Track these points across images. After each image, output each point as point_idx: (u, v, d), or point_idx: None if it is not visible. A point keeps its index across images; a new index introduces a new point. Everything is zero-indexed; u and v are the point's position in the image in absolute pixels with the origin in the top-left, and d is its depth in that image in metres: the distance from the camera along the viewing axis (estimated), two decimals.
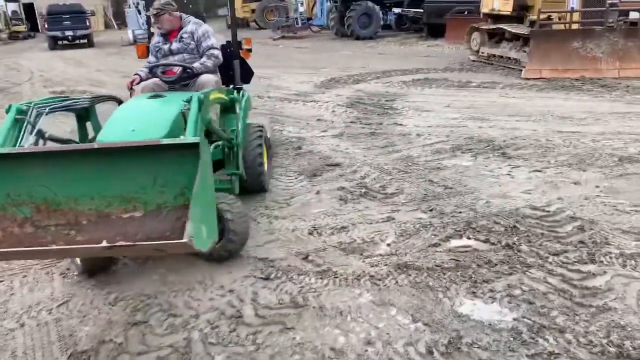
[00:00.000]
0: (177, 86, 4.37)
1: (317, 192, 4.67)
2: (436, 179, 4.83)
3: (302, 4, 22.71)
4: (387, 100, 8.48)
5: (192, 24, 4.61)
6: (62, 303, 3.11)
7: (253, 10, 30.04)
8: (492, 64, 11.47)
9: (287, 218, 4.16)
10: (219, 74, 4.74)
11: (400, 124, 6.92)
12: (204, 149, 2.34)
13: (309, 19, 25.24)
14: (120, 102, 4.16)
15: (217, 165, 3.92)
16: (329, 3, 22.11)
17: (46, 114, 2.96)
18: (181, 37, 4.54)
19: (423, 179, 4.85)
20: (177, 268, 3.45)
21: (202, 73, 4.40)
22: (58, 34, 23.05)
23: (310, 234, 3.86)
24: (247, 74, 5.27)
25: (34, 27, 33.90)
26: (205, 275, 3.35)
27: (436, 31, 17.37)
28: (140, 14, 22.46)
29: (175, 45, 4.55)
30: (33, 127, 2.88)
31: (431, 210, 4.16)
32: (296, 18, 22.37)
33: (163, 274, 3.38)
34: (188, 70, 4.32)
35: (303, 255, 3.52)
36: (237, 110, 3.73)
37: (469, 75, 10.55)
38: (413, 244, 3.61)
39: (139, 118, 3.33)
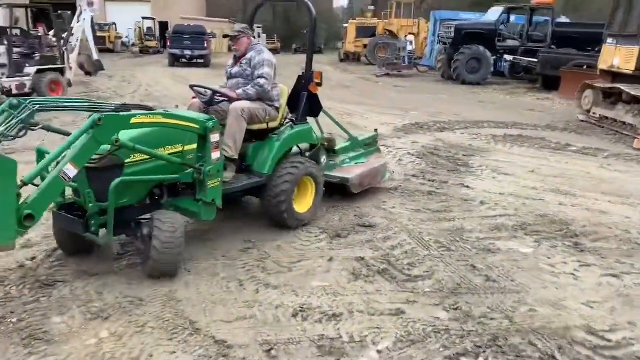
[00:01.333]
0: (213, 108, 4.38)
1: (330, 259, 3.97)
2: (481, 265, 3.93)
3: (411, 42, 22.10)
4: (464, 155, 7.57)
5: (254, 52, 4.58)
6: None
7: (365, 46, 30.06)
8: (603, 127, 10.05)
9: (279, 288, 3.51)
10: (270, 102, 4.55)
11: (467, 186, 6.01)
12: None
13: (419, 58, 24.60)
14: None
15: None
16: (440, 45, 21.31)
17: (37, 111, 3.14)
18: (241, 63, 4.59)
19: (465, 263, 3.98)
20: (123, 332, 2.94)
21: (242, 99, 4.36)
22: (177, 52, 24.51)
23: (294, 316, 3.18)
24: (315, 108, 5.06)
25: (166, 44, 36.39)
26: (146, 351, 2.79)
27: (551, 84, 15.98)
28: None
29: (235, 69, 4.63)
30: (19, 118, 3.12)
31: (456, 308, 3.30)
32: (403, 57, 21.77)
33: (102, 340, 2.87)
34: (217, 94, 4.36)
35: (268, 347, 2.85)
36: (211, 140, 3.64)
37: (571, 137, 9.27)
38: (410, 357, 2.80)
39: None
